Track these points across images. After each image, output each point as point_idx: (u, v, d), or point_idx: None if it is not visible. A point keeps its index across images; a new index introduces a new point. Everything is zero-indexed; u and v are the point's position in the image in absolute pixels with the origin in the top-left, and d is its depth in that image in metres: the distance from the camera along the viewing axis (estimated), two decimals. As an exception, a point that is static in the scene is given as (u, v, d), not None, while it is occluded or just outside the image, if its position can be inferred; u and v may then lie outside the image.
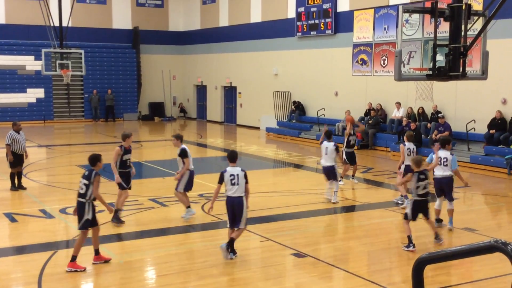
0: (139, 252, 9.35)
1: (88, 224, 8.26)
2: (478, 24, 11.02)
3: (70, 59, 25.10)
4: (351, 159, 14.75)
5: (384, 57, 22.06)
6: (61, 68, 24.08)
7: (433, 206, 10.60)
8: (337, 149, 12.71)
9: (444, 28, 11.68)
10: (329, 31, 24.53)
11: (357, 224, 11.40)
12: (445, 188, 10.41)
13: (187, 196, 11.14)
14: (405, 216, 9.37)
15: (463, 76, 10.52)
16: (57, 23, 24.60)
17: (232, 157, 8.75)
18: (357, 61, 23.33)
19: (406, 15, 18.73)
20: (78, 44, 30.27)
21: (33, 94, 31.50)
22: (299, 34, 26.22)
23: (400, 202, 12.33)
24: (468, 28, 10.43)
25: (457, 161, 10.76)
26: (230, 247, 8.62)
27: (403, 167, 11.83)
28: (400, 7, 10.54)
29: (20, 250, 9.36)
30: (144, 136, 27.58)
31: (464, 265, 8.51)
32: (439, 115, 19.18)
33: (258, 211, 11.50)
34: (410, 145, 12.08)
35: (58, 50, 24.26)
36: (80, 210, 8.26)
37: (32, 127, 28.29)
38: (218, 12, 32.58)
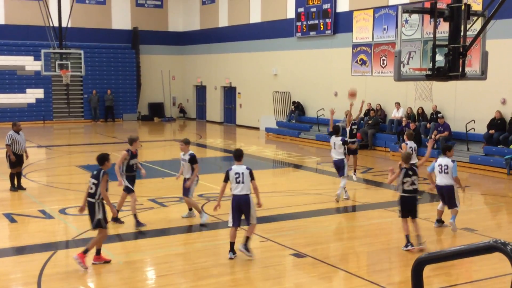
0: (139, 252, 9.36)
1: (102, 223, 8.30)
2: (478, 24, 11.02)
3: (69, 59, 25.09)
4: (352, 150, 14.56)
5: (383, 57, 22.07)
6: (60, 68, 24.08)
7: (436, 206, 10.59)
8: (344, 143, 12.81)
9: (444, 28, 11.71)
10: (329, 32, 24.54)
11: (357, 224, 11.41)
12: (445, 196, 10.26)
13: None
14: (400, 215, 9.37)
15: (463, 76, 10.53)
16: (56, 24, 24.62)
17: (238, 155, 8.83)
18: (356, 61, 23.34)
19: (406, 15, 18.74)
20: (77, 44, 30.26)
21: (33, 95, 31.49)
22: (299, 34, 26.23)
23: None
24: (467, 28, 10.43)
25: (457, 161, 10.70)
26: (246, 245, 8.70)
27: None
28: (400, 7, 10.53)
29: (20, 250, 9.35)
30: (143, 136, 27.55)
31: (464, 265, 8.52)
32: (438, 115, 19.19)
33: (258, 211, 11.43)
34: (411, 143, 12.12)
35: (57, 50, 24.26)
36: (90, 210, 8.32)
37: (31, 127, 28.27)
38: (218, 12, 32.58)
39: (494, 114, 17.79)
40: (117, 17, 34.21)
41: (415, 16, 19.67)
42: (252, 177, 8.64)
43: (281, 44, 27.57)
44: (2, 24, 31.26)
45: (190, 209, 11.10)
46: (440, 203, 10.58)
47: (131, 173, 10.61)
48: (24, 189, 13.79)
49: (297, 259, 8.85)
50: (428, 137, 18.92)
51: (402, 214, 9.25)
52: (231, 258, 8.68)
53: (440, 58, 10.55)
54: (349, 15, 23.61)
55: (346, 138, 13.63)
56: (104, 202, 8.32)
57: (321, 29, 24.92)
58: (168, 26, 35.94)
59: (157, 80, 35.41)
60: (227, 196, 9.06)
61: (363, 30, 22.95)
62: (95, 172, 8.37)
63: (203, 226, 10.61)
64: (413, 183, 9.14)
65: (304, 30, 25.87)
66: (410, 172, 9.13)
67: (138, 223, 10.48)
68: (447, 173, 10.08)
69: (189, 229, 10.73)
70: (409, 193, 9.18)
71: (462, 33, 10.32)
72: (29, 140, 17.10)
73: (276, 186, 15.17)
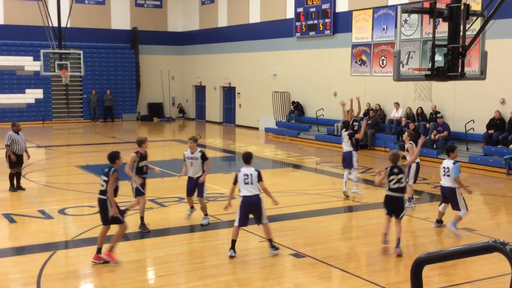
0: (139, 252, 9.36)
1: (119, 218, 8.39)
2: (477, 24, 11.02)
3: (68, 59, 25.09)
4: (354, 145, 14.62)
5: (383, 57, 22.08)
6: (59, 68, 24.08)
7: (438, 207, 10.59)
8: (351, 136, 13.08)
9: (443, 28, 11.72)
10: (328, 32, 24.55)
11: (356, 224, 11.41)
12: (448, 197, 10.16)
13: (193, 201, 11.04)
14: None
15: (462, 76, 10.52)
16: (55, 24, 24.61)
17: (246, 158, 8.97)
18: (356, 61, 23.35)
19: (405, 15, 18.78)
20: (77, 44, 30.27)
21: (32, 95, 31.48)
22: (298, 34, 26.23)
23: (409, 208, 11.81)
24: (466, 28, 10.43)
25: (457, 161, 10.62)
26: (271, 245, 8.93)
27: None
28: (399, 7, 10.53)
29: (19, 250, 9.35)
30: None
31: (463, 265, 8.52)
32: (438, 115, 19.20)
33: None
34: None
35: (56, 50, 24.25)
36: (103, 207, 8.38)
37: (31, 127, 28.26)
38: (217, 12, 32.58)
39: (493, 114, 17.81)
40: (116, 17, 34.21)
41: (414, 16, 19.69)
42: (260, 179, 8.74)
43: (281, 44, 27.58)
44: (2, 24, 31.25)
45: (192, 207, 11.02)
46: (442, 204, 10.53)
47: (142, 175, 10.28)
48: (24, 189, 13.79)
49: (296, 259, 8.85)
50: (427, 137, 18.92)
51: (386, 212, 9.23)
52: (231, 256, 8.69)
53: (439, 58, 10.55)
54: (348, 15, 23.62)
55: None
56: (117, 200, 8.41)
57: (321, 29, 24.93)
58: (168, 26, 35.94)
59: (157, 80, 35.41)
60: (225, 196, 9.07)
61: (362, 30, 22.96)
62: (106, 170, 8.46)
63: (203, 227, 10.60)
64: (398, 181, 9.03)
65: (304, 30, 25.88)
66: (396, 170, 9.06)
67: (144, 227, 10.34)
68: (449, 175, 9.99)
69: (189, 229, 10.72)
70: (393, 191, 9.08)
71: (461, 33, 10.31)
72: (28, 140, 17.08)
73: (275, 186, 15.14)
